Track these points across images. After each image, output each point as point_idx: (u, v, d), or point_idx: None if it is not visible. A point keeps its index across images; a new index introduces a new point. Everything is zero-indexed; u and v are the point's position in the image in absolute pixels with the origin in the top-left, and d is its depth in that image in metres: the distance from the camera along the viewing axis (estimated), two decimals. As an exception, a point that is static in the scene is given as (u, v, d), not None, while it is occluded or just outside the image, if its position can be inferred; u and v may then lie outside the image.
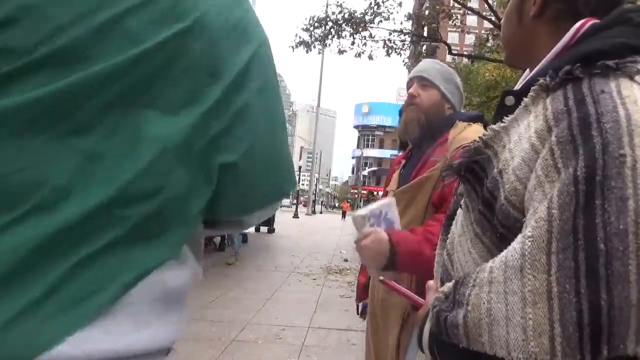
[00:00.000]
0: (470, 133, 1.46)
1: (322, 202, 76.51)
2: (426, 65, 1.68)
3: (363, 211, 1.37)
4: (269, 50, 0.65)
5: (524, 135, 0.69)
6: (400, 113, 1.75)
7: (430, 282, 0.87)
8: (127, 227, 0.50)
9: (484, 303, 0.61)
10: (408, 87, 1.68)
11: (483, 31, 14.13)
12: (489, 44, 12.82)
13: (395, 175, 1.70)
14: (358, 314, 1.96)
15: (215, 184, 0.58)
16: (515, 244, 0.61)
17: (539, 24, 0.81)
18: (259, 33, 0.64)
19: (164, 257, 0.53)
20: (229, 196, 0.61)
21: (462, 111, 1.74)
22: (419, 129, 1.61)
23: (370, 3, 11.79)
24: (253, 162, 0.61)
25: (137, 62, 0.52)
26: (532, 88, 0.71)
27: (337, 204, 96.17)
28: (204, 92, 0.56)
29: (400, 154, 1.93)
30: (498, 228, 0.70)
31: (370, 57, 12.56)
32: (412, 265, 1.36)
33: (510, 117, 0.74)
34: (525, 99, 0.72)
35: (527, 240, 0.59)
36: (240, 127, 0.59)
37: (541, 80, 0.70)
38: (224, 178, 0.58)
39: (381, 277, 0.98)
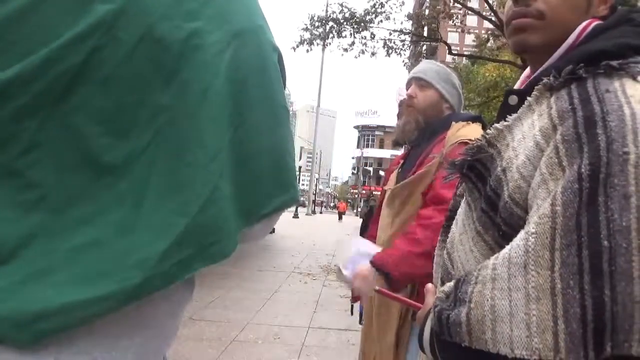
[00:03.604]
0: (467, 131, 1.48)
1: (322, 202, 76.34)
2: (424, 66, 1.71)
3: (337, 266, 1.45)
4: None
5: (528, 133, 0.69)
6: (400, 106, 1.77)
7: (429, 285, 0.87)
8: None
9: (488, 300, 0.61)
10: (407, 89, 1.70)
11: (483, 31, 14.11)
12: (489, 44, 12.80)
13: (393, 175, 1.72)
14: (352, 314, 1.96)
15: None
16: (519, 241, 0.61)
17: None
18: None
19: None
20: None
21: (463, 112, 1.75)
22: (417, 130, 1.64)
23: (374, 3, 11.77)
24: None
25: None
26: (535, 87, 0.72)
27: (332, 204, 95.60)
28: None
29: (400, 154, 1.95)
30: (501, 226, 0.70)
31: (373, 54, 12.53)
32: (407, 273, 1.36)
33: (514, 115, 0.74)
34: (529, 98, 0.73)
35: (530, 237, 0.59)
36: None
37: (545, 80, 0.70)
38: None
39: (376, 287, 1.01)
